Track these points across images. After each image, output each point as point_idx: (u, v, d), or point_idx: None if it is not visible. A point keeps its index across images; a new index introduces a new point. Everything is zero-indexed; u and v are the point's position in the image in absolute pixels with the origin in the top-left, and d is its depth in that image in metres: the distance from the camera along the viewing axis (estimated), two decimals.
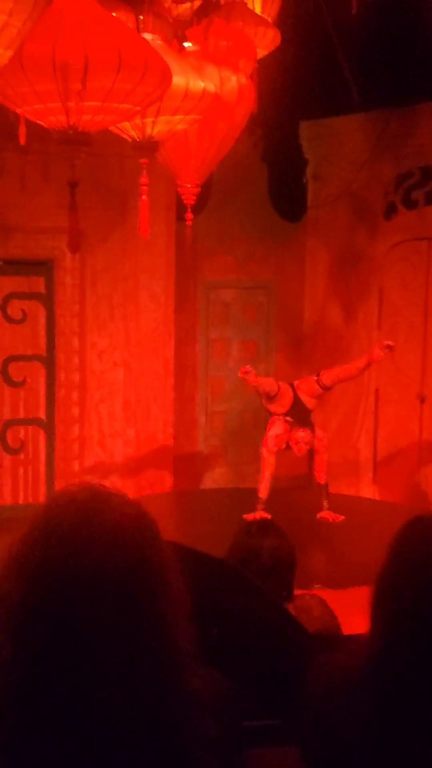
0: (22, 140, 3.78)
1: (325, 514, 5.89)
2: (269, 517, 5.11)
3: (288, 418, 5.85)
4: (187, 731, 1.16)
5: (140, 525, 1.21)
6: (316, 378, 6.01)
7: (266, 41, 4.53)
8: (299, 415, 5.87)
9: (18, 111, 3.26)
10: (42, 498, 7.04)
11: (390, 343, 6.04)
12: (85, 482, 1.25)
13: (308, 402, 5.92)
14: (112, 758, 1.11)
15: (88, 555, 1.14)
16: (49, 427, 7.07)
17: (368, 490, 7.73)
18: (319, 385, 5.97)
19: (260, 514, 5.50)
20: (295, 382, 6.00)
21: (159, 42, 3.64)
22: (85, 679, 1.11)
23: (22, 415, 7.03)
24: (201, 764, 1.17)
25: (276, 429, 5.86)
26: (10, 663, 1.12)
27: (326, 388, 6.03)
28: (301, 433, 5.79)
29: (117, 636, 1.12)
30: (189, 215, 4.51)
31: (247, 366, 6.00)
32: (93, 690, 1.11)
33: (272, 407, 5.93)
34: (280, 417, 5.87)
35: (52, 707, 1.11)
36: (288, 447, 5.88)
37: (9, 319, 6.95)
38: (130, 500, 1.24)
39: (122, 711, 1.11)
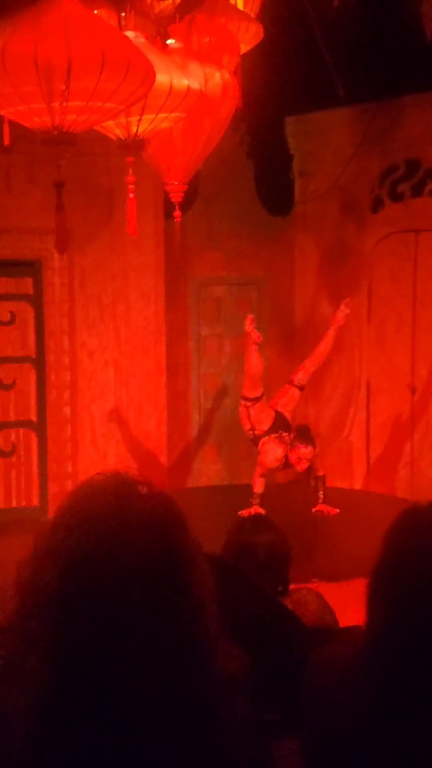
0: (7, 141, 3.76)
1: (321, 507, 5.89)
2: (264, 512, 5.12)
3: (284, 435, 5.68)
4: (224, 712, 1.18)
5: (168, 510, 1.23)
6: (289, 384, 5.93)
7: (249, 36, 4.52)
8: (286, 428, 5.73)
9: (2, 112, 3.25)
10: (35, 501, 7.03)
11: (346, 306, 5.96)
12: (112, 470, 1.26)
13: (289, 415, 5.81)
14: (153, 741, 1.12)
15: (122, 542, 1.16)
16: (40, 428, 7.06)
17: (362, 483, 7.75)
18: (297, 388, 5.90)
19: (255, 509, 5.51)
20: (271, 401, 5.89)
21: (142, 40, 3.63)
22: (126, 664, 1.12)
23: (12, 417, 7.01)
24: (236, 743, 1.18)
25: (274, 452, 5.67)
26: (50, 650, 1.13)
27: (304, 388, 5.96)
28: (304, 450, 5.61)
29: (155, 620, 1.14)
30: (177, 212, 4.51)
31: (252, 316, 5.92)
32: (133, 673, 1.12)
33: (258, 427, 5.74)
34: (273, 437, 5.69)
35: (94, 693, 1.12)
36: (287, 464, 5.70)
37: None
38: (157, 486, 1.26)
39: (161, 693, 1.13)
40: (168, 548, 1.19)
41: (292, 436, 5.68)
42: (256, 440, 5.79)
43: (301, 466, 5.70)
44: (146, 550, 1.16)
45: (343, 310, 5.95)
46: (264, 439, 5.72)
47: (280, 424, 5.76)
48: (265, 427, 5.72)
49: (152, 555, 1.17)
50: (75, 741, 1.11)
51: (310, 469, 5.82)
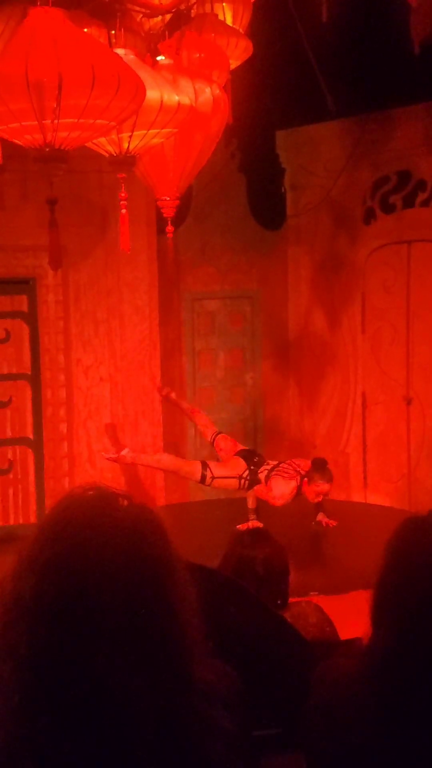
0: None
1: (321, 518, 5.81)
2: (261, 525, 5.10)
3: (301, 470, 5.40)
4: (201, 723, 1.17)
5: (147, 521, 1.23)
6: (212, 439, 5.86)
7: (238, 51, 4.55)
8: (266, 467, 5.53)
9: None
10: (33, 518, 7.00)
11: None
12: (91, 483, 1.26)
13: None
14: (128, 750, 1.12)
15: (97, 551, 1.16)
16: (37, 445, 7.04)
17: (359, 495, 7.74)
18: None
19: (253, 523, 5.49)
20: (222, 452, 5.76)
21: (132, 57, 3.65)
22: (99, 673, 1.12)
23: (9, 434, 7.00)
24: (218, 756, 1.17)
25: (290, 486, 5.38)
26: (25, 659, 1.13)
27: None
28: (325, 486, 5.39)
29: (129, 630, 1.14)
30: (169, 228, 4.52)
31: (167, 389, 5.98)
32: (107, 683, 1.11)
33: (225, 471, 5.55)
34: (292, 470, 5.42)
35: (68, 702, 1.11)
36: (299, 494, 5.46)
37: None
38: (136, 499, 1.26)
39: (136, 703, 1.12)
40: (144, 559, 1.18)
41: (309, 470, 5.42)
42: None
43: (317, 500, 5.48)
44: (121, 561, 1.16)
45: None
46: (274, 473, 5.46)
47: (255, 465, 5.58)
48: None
49: (127, 565, 1.16)
50: (50, 751, 1.11)
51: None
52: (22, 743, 1.12)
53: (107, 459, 5.99)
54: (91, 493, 1.24)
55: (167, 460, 5.86)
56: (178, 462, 5.85)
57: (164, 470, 6.12)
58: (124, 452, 5.87)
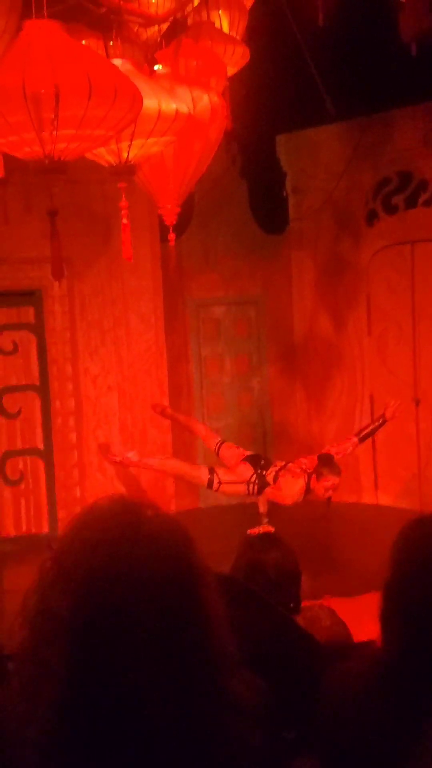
0: (1, 173, 3.80)
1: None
2: (272, 530, 5.09)
3: (308, 468, 5.41)
4: (232, 741, 1.16)
5: (177, 532, 1.22)
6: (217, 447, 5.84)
7: (236, 58, 4.56)
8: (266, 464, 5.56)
9: None
10: (45, 527, 7.01)
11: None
12: (115, 495, 1.25)
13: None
14: (159, 765, 1.11)
15: (132, 566, 1.15)
16: (47, 456, 7.06)
17: (370, 496, 7.72)
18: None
19: (264, 527, 5.47)
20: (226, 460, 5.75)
21: (128, 66, 3.66)
22: (137, 690, 1.11)
23: (19, 445, 7.02)
24: None
25: (298, 484, 5.39)
26: (65, 678, 1.13)
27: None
28: (334, 480, 5.38)
29: (166, 645, 1.13)
30: (171, 235, 4.53)
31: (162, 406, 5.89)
32: (144, 700, 1.11)
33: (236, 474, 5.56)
34: (299, 469, 5.44)
35: (108, 720, 1.11)
36: (308, 491, 5.46)
37: (0, 351, 6.95)
38: (162, 510, 1.25)
39: (171, 719, 1.12)
40: (178, 570, 1.18)
41: (316, 466, 5.44)
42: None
43: (326, 495, 5.46)
44: (157, 574, 1.15)
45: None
46: (282, 472, 5.49)
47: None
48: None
49: (163, 578, 1.16)
50: (81, 758, 1.11)
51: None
52: (56, 760, 1.11)
53: (113, 461, 5.99)
54: (114, 505, 1.22)
55: (174, 464, 5.87)
56: (185, 466, 5.85)
57: (171, 474, 6.11)
58: (130, 455, 5.88)
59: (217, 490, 5.64)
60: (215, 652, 1.17)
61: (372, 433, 5.83)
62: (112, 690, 1.11)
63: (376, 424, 5.79)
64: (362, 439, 5.76)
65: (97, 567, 1.15)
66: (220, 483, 5.56)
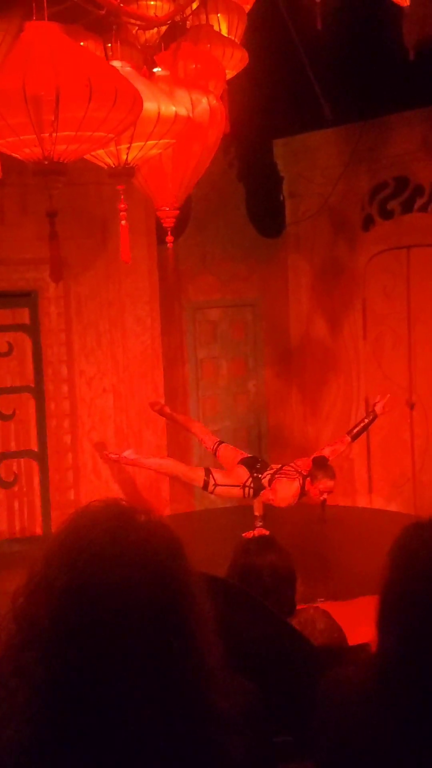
0: None
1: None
2: (268, 533, 5.09)
3: (302, 471, 5.37)
4: (212, 753, 1.15)
5: (167, 542, 1.20)
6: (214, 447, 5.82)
7: (234, 62, 4.57)
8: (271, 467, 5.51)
9: None
10: (39, 530, 7.00)
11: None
12: (109, 499, 1.23)
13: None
14: None
15: (117, 575, 1.13)
16: (41, 458, 7.05)
17: (365, 500, 7.73)
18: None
19: (259, 531, 5.48)
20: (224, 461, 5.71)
21: (128, 69, 3.67)
22: (117, 701, 1.10)
23: (13, 447, 7.00)
24: None
25: (293, 486, 5.35)
26: (42, 683, 1.11)
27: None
28: (329, 483, 5.33)
29: (147, 656, 1.11)
30: (169, 238, 4.53)
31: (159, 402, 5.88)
32: (124, 710, 1.10)
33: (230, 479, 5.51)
34: (294, 472, 5.39)
35: (83, 730, 1.09)
36: (303, 494, 5.42)
37: None
38: (156, 516, 1.23)
39: (149, 730, 1.10)
40: (165, 581, 1.16)
41: (310, 469, 5.39)
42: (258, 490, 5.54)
43: (321, 498, 5.41)
44: (140, 584, 1.14)
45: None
46: (277, 475, 5.45)
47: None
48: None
49: (146, 589, 1.14)
50: None
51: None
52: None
53: (109, 458, 5.98)
54: (106, 509, 1.20)
55: (170, 464, 5.86)
56: (181, 467, 5.85)
57: (166, 474, 6.10)
58: (126, 453, 5.87)
59: (212, 492, 5.64)
60: (200, 665, 1.15)
61: (363, 430, 5.84)
62: (86, 699, 1.09)
63: (367, 420, 5.81)
64: (354, 437, 5.77)
65: (78, 573, 1.13)
66: (215, 485, 5.55)
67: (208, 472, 5.59)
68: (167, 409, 6.30)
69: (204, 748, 1.14)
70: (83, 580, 1.13)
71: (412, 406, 7.46)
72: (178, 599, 1.16)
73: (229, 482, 5.55)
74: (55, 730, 1.10)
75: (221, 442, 5.88)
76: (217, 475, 5.57)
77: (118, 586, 1.12)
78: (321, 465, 5.45)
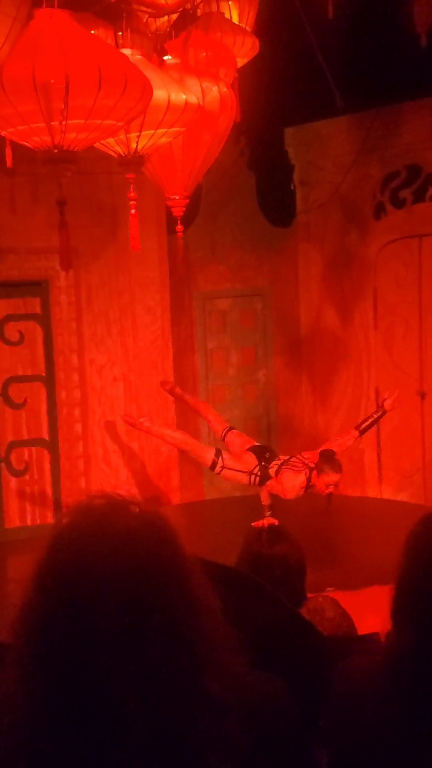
0: (9, 163, 3.80)
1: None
2: (277, 522, 5.09)
3: (309, 463, 5.36)
4: (199, 735, 1.16)
5: (154, 530, 1.21)
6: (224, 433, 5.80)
7: (245, 50, 4.55)
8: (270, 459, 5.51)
9: (2, 133, 3.28)
10: (50, 518, 7.03)
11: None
12: (102, 491, 1.26)
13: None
14: (123, 758, 1.12)
15: (96, 559, 1.15)
16: (52, 446, 7.07)
17: (374, 490, 7.73)
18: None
19: (268, 520, 5.47)
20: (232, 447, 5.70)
21: (138, 57, 3.66)
22: (98, 681, 1.12)
23: (25, 436, 7.03)
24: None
25: (299, 478, 5.36)
26: (29, 666, 1.14)
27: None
28: (335, 476, 5.34)
29: (127, 639, 1.13)
30: (179, 227, 4.53)
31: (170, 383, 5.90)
32: (103, 693, 1.12)
33: (238, 465, 5.52)
34: (301, 464, 5.41)
35: (67, 710, 1.12)
36: (309, 486, 5.42)
37: (6, 341, 6.95)
38: (147, 507, 1.25)
39: (134, 711, 1.12)
40: (145, 567, 1.17)
41: (317, 462, 5.40)
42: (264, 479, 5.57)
43: (327, 491, 5.41)
44: (120, 569, 1.15)
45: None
46: (284, 466, 5.46)
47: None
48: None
49: (125, 573, 1.15)
50: (46, 761, 1.12)
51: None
52: (21, 752, 1.12)
53: (125, 421, 6.05)
54: (100, 501, 1.23)
55: (182, 437, 5.89)
56: (193, 443, 5.87)
57: (177, 447, 6.11)
58: (142, 420, 5.93)
59: (218, 473, 5.66)
60: (182, 649, 1.16)
61: (372, 425, 5.83)
62: (69, 682, 1.12)
63: (376, 415, 5.80)
64: (362, 432, 5.76)
65: (61, 557, 1.17)
66: (223, 467, 5.58)
67: (218, 453, 5.62)
68: (178, 390, 6.29)
69: (194, 729, 1.15)
70: (63, 562, 1.16)
71: (423, 396, 7.44)
72: (159, 584, 1.17)
73: (237, 467, 5.57)
74: (43, 713, 1.13)
75: (231, 428, 5.89)
76: (227, 458, 5.59)
77: (95, 569, 1.15)
78: (328, 458, 5.46)
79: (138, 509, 1.23)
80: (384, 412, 5.75)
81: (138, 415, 6.34)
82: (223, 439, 5.84)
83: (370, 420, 5.79)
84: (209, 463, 5.61)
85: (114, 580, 1.15)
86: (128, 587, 1.15)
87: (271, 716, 1.28)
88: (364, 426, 5.75)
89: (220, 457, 5.58)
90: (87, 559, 1.16)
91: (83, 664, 1.12)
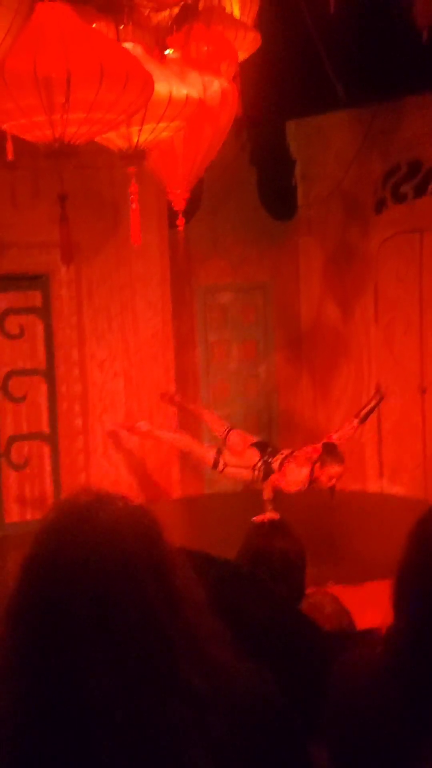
0: (10, 156, 3.79)
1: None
2: (278, 516, 5.09)
3: (311, 457, 5.40)
4: (179, 728, 1.16)
5: (135, 525, 1.22)
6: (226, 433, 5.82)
7: (246, 44, 4.54)
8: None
9: (3, 127, 3.27)
10: None
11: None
12: (89, 487, 1.27)
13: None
14: (101, 750, 1.13)
15: (74, 554, 1.17)
16: (52, 440, 7.07)
17: (375, 485, 7.73)
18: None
19: (269, 514, 5.48)
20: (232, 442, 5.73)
21: (140, 51, 3.65)
22: (74, 673, 1.13)
23: (25, 430, 7.03)
24: (195, 761, 1.16)
25: (303, 472, 5.42)
26: (7, 658, 1.17)
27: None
28: (337, 468, 5.39)
29: (102, 633, 1.14)
30: (180, 221, 4.53)
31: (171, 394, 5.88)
32: (82, 682, 1.13)
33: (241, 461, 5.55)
34: (304, 457, 5.44)
35: (44, 703, 1.13)
36: (312, 481, 5.47)
37: (7, 335, 6.95)
38: (133, 503, 1.26)
39: (111, 704, 1.13)
40: (124, 561, 1.18)
41: (320, 455, 5.44)
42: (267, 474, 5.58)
43: (330, 484, 5.46)
44: (97, 561, 1.17)
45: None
46: (287, 460, 5.49)
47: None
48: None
49: (103, 566, 1.17)
50: (25, 750, 1.13)
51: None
52: (4, 744, 1.14)
53: (126, 429, 6.03)
54: (85, 497, 1.24)
55: (183, 439, 5.90)
56: (194, 443, 5.88)
57: (178, 448, 6.13)
58: (140, 424, 5.91)
59: (221, 472, 5.66)
60: (158, 643, 1.17)
61: (371, 412, 5.85)
62: (48, 667, 1.14)
63: (374, 402, 5.82)
64: (362, 420, 5.78)
65: (41, 548, 1.20)
66: (225, 465, 5.58)
67: (219, 451, 5.62)
68: (178, 399, 6.31)
69: (167, 721, 1.15)
70: (42, 554, 1.20)
71: (423, 391, 7.44)
72: (137, 578, 1.18)
73: (239, 463, 5.58)
74: (17, 703, 1.15)
75: (231, 428, 5.89)
76: (228, 456, 5.60)
77: (72, 561, 1.16)
78: (330, 451, 5.47)
79: (122, 504, 1.23)
80: (381, 398, 5.78)
81: (138, 416, 6.33)
82: (225, 440, 5.85)
83: (369, 407, 5.81)
84: (211, 462, 5.61)
85: (89, 574, 1.16)
86: (104, 582, 1.16)
87: (257, 708, 1.27)
88: (363, 413, 5.77)
89: (221, 456, 5.59)
90: (64, 554, 1.17)
91: (58, 658, 1.14)
